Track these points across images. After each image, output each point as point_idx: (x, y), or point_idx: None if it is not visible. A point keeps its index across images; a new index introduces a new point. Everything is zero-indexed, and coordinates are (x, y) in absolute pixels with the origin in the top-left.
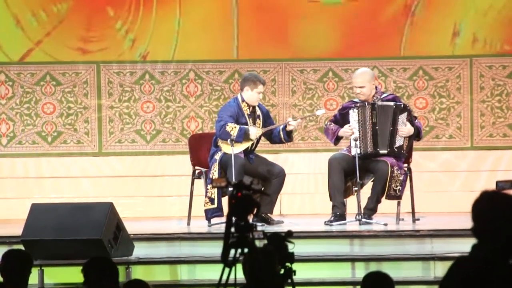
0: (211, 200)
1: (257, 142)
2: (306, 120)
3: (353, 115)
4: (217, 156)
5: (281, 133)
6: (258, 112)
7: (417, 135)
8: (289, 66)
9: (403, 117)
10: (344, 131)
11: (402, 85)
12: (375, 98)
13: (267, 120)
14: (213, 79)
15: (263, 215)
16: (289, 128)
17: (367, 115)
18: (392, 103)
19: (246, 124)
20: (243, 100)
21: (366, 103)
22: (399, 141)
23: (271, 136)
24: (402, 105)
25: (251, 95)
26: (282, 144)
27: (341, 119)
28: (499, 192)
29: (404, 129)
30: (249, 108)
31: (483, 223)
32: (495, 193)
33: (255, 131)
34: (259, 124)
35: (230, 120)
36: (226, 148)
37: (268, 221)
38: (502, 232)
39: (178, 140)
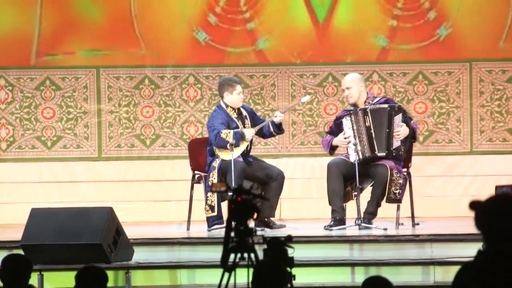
0: (211, 208)
1: (251, 142)
2: (306, 125)
3: (347, 123)
4: (215, 164)
5: (271, 127)
6: (244, 113)
7: (413, 136)
8: (289, 71)
9: (398, 119)
10: (338, 140)
11: (402, 89)
12: (367, 103)
13: (254, 117)
14: (212, 84)
15: (265, 219)
16: (276, 120)
17: (360, 121)
18: (386, 105)
19: (237, 127)
20: (227, 106)
21: (358, 109)
22: (396, 143)
23: (262, 132)
24: (397, 106)
25: (232, 99)
26: (274, 137)
27: (336, 129)
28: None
29: (400, 130)
30: (235, 111)
31: (493, 226)
32: (507, 195)
33: (249, 132)
34: (248, 124)
35: (222, 127)
36: (224, 155)
37: (270, 225)
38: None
39: (178, 144)
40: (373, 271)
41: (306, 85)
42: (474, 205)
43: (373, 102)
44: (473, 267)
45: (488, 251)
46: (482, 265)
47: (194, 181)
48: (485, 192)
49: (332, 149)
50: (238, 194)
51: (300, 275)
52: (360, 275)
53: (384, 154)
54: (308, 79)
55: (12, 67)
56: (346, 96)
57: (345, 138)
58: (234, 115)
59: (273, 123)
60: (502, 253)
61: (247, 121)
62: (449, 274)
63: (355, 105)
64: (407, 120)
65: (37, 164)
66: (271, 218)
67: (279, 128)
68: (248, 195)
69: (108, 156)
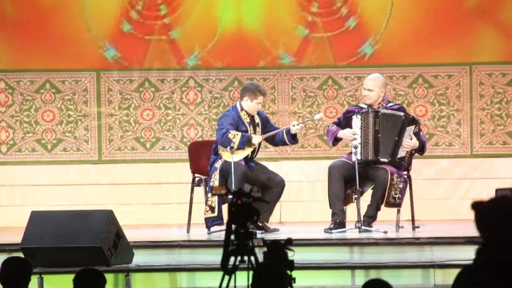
0: (212, 209)
1: (257, 149)
2: (306, 128)
3: (356, 121)
4: (218, 164)
5: (286, 136)
6: (257, 120)
7: (421, 149)
8: (289, 74)
9: (410, 130)
10: (344, 133)
11: (402, 92)
12: (380, 106)
13: (267, 125)
14: (212, 87)
15: (259, 223)
16: (293, 131)
17: (370, 122)
18: (401, 113)
19: (247, 131)
20: (242, 109)
21: (370, 110)
22: (402, 153)
23: (274, 140)
24: (411, 117)
25: (250, 105)
26: (286, 146)
27: (345, 122)
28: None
29: (410, 142)
30: (248, 116)
31: (493, 228)
32: (506, 198)
33: (257, 138)
34: (259, 132)
35: (231, 128)
36: (226, 156)
37: (264, 229)
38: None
39: (178, 147)
40: (373, 274)
41: (306, 88)
42: (476, 206)
43: (387, 106)
44: (473, 268)
45: (488, 252)
46: (482, 266)
47: (194, 184)
48: (485, 195)
49: (336, 140)
50: (238, 197)
51: (300, 278)
52: (360, 278)
53: (386, 160)
54: (308, 82)
55: (12, 70)
56: (365, 96)
57: (352, 134)
58: (246, 119)
59: (288, 133)
60: (502, 254)
61: (258, 129)
62: (449, 277)
63: (369, 105)
64: (418, 132)
65: (37, 167)
66: (265, 223)
67: (293, 138)
68: (248, 198)
69: (108, 159)
